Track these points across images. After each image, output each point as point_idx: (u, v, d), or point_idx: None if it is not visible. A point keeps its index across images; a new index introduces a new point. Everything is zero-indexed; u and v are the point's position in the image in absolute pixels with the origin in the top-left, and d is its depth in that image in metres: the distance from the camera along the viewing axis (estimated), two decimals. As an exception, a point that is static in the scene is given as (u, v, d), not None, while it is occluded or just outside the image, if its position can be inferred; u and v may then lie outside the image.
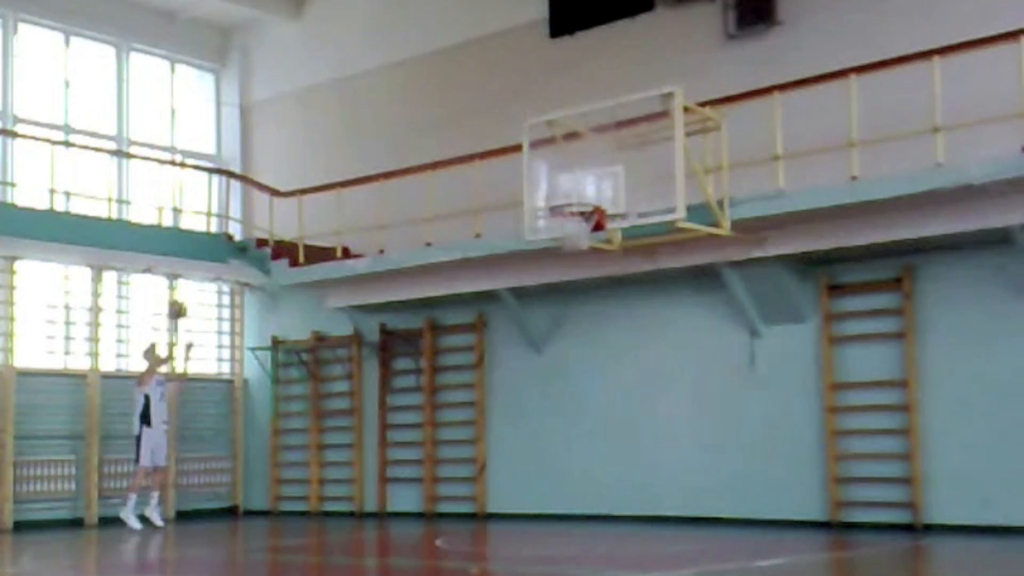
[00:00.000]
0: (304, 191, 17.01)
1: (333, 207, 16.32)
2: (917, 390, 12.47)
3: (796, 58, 13.74)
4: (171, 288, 17.34)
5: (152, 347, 15.70)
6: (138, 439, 15.12)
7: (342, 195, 16.29)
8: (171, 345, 16.54)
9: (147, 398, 15.17)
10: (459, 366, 16.11)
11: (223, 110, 20.41)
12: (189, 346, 16.22)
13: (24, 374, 15.56)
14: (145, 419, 15.11)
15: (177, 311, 15.92)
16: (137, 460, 15.17)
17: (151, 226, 17.74)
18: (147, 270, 16.92)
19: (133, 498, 15.12)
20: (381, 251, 15.66)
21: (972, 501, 12.03)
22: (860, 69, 12.06)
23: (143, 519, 15.12)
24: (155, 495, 15.38)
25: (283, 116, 19.84)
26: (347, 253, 16.81)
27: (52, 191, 16.64)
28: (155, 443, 15.18)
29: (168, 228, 17.96)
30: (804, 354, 13.28)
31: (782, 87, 12.49)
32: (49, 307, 16.17)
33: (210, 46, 20.33)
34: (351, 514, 16.92)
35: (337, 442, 17.36)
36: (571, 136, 12.10)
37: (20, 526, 15.08)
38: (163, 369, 15.65)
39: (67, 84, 18.40)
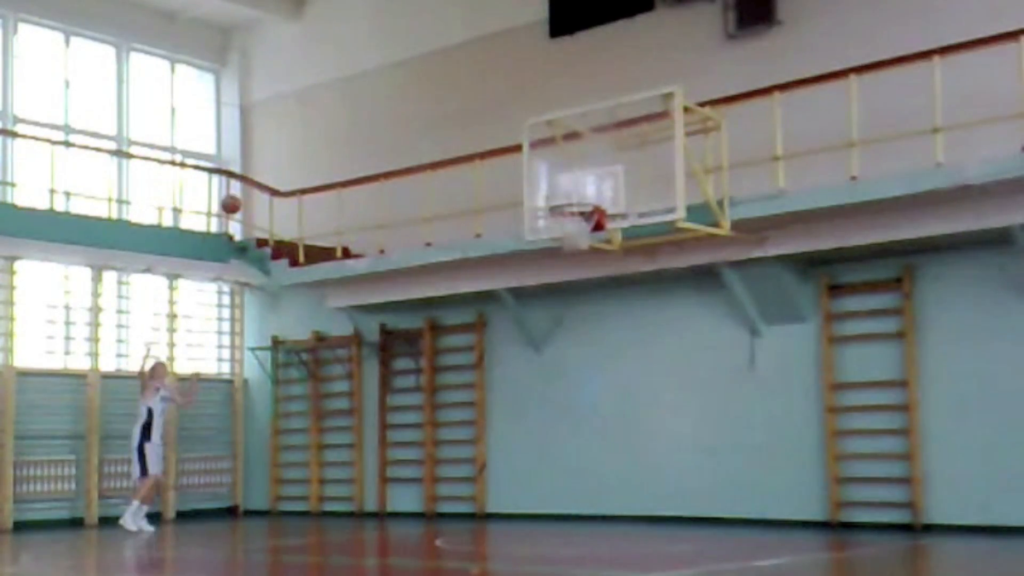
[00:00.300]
0: (304, 191, 17.01)
1: (333, 207, 16.31)
2: (917, 390, 12.47)
3: (796, 58, 13.74)
4: (171, 288, 17.34)
5: (157, 361, 15.38)
6: (140, 451, 14.69)
7: (342, 195, 16.28)
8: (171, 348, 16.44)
9: (150, 412, 14.81)
10: (459, 366, 16.11)
11: (223, 110, 20.41)
12: (196, 376, 16.14)
13: (24, 374, 15.56)
14: (146, 433, 14.73)
15: (232, 206, 15.50)
16: (143, 472, 14.72)
17: (151, 226, 17.74)
18: (147, 270, 16.92)
19: (135, 504, 14.66)
20: (381, 251, 15.65)
21: (972, 501, 12.03)
22: (860, 69, 12.05)
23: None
24: (145, 507, 14.86)
25: (283, 116, 19.84)
26: (347, 253, 16.80)
27: (52, 191, 16.63)
28: (156, 455, 14.84)
29: (168, 228, 17.95)
30: (804, 354, 13.28)
31: (782, 87, 12.49)
32: (49, 307, 16.18)
33: (210, 46, 20.33)
34: (351, 514, 16.92)
35: (337, 442, 17.36)
36: (571, 136, 12.09)
37: (20, 526, 15.08)
38: (167, 382, 15.36)
39: (67, 84, 18.41)
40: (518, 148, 12.36)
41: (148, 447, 14.76)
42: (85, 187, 17.55)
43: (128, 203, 18.27)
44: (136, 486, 14.99)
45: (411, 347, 16.51)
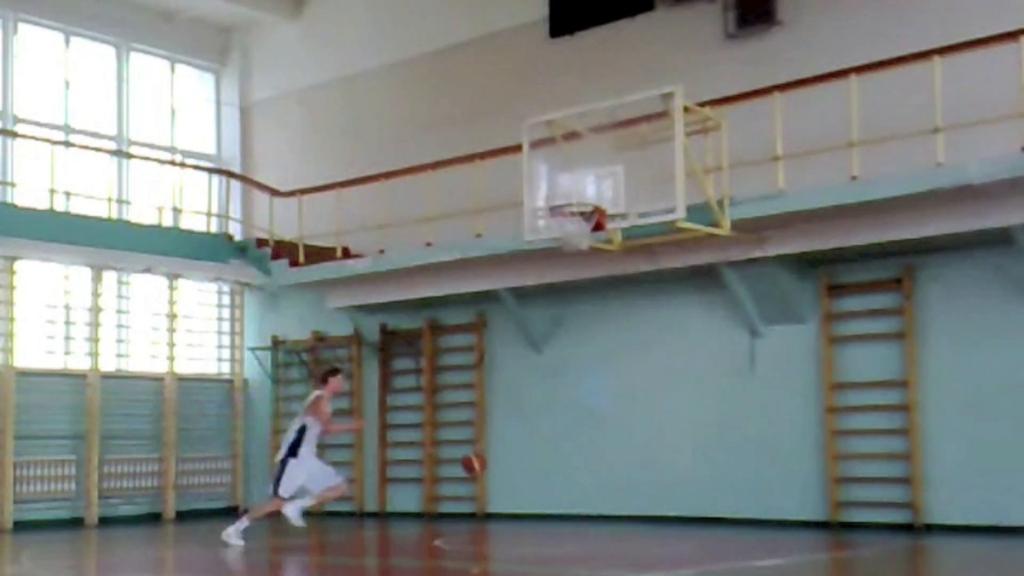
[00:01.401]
0: (304, 191, 17.00)
1: (333, 207, 16.31)
2: (917, 390, 12.47)
3: (796, 58, 13.74)
4: (171, 288, 17.33)
5: (331, 371, 12.89)
6: (282, 466, 12.32)
7: (342, 195, 16.28)
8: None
9: (303, 428, 12.41)
10: (459, 366, 16.11)
11: (223, 110, 20.41)
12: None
13: (24, 374, 15.56)
14: (293, 451, 12.36)
15: (475, 465, 12.56)
16: (275, 491, 12.31)
17: (151, 226, 17.74)
18: (147, 270, 16.92)
19: (246, 522, 12.33)
20: (381, 251, 15.65)
21: (972, 501, 12.03)
22: (860, 69, 12.05)
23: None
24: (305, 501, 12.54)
25: (283, 116, 19.83)
26: (347, 253, 16.80)
27: (52, 191, 16.63)
28: (308, 473, 12.43)
29: (168, 228, 17.95)
30: (804, 354, 13.28)
31: (782, 87, 12.49)
32: (49, 307, 16.18)
33: (210, 46, 20.33)
34: (351, 514, 16.92)
35: (337, 442, 17.32)
36: (571, 136, 12.09)
37: (20, 526, 15.07)
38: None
39: (67, 84, 18.40)
40: (518, 148, 12.35)
41: (291, 464, 12.34)
42: (85, 187, 17.55)
43: (128, 203, 18.27)
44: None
45: (411, 347, 16.50)
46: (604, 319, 14.76)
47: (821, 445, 13.03)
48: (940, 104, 11.37)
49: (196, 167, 19.45)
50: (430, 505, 16.11)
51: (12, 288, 15.57)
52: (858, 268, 12.98)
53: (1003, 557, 10.31)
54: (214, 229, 19.06)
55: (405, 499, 16.44)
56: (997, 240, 11.77)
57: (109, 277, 16.72)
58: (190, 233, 18.19)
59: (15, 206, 16.38)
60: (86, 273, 16.43)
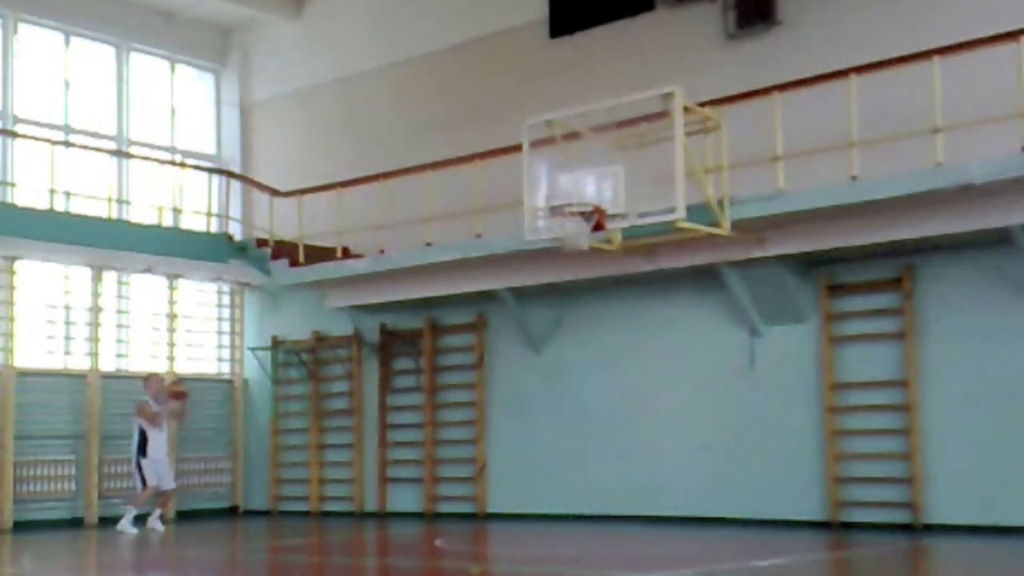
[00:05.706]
0: (304, 191, 17.01)
1: (333, 207, 16.32)
2: (917, 390, 12.47)
3: (796, 58, 13.73)
4: (171, 288, 17.33)
5: (151, 376, 15.39)
6: (138, 466, 14.63)
7: (342, 195, 16.29)
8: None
9: (142, 430, 14.64)
10: (459, 366, 16.11)
11: (223, 110, 20.40)
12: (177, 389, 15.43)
13: (24, 374, 15.56)
14: (142, 450, 14.60)
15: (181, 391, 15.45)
16: (143, 483, 14.62)
17: (151, 226, 17.73)
18: (147, 270, 16.93)
19: (133, 512, 14.55)
20: (381, 251, 15.66)
21: (972, 501, 12.03)
22: (860, 69, 12.06)
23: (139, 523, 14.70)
24: (158, 511, 14.91)
25: (283, 116, 19.83)
26: (347, 253, 16.80)
27: (52, 191, 16.63)
28: (158, 469, 14.69)
29: (168, 228, 17.95)
30: (804, 354, 13.28)
31: (782, 87, 12.49)
32: (49, 307, 16.18)
33: (210, 46, 20.32)
34: (351, 514, 16.92)
35: (337, 442, 17.36)
36: (571, 136, 12.09)
37: (20, 526, 15.08)
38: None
39: (67, 84, 18.40)
40: (518, 148, 12.36)
41: (144, 463, 14.61)
42: (85, 187, 17.55)
43: (128, 203, 18.27)
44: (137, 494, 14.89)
45: (411, 347, 16.50)
46: (604, 319, 14.75)
47: (821, 445, 13.03)
48: (940, 104, 11.38)
49: (196, 167, 19.45)
50: (430, 505, 16.11)
51: (12, 288, 15.57)
52: (858, 268, 12.99)
53: (1003, 557, 10.31)
54: (214, 229, 19.06)
55: (405, 499, 16.45)
56: (997, 240, 11.77)
57: (109, 277, 16.72)
58: (190, 233, 18.19)
59: (15, 206, 16.37)
60: (86, 273, 16.43)
